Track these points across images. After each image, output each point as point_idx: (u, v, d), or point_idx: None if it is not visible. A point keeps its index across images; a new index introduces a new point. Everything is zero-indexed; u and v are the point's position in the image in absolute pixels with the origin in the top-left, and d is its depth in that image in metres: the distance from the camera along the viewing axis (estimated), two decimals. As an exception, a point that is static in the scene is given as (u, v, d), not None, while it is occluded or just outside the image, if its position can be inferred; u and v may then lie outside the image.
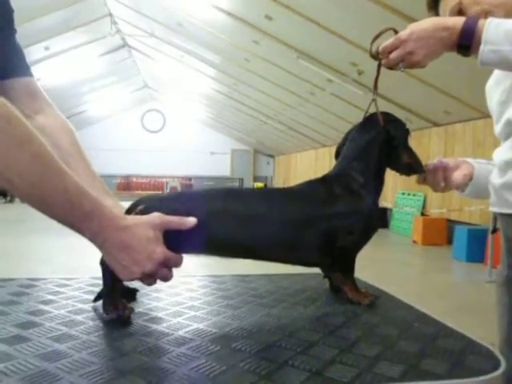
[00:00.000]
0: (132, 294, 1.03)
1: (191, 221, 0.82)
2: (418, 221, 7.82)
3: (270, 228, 0.95)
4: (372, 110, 1.08)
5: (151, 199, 0.95)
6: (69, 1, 7.85)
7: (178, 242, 0.87)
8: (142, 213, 0.86)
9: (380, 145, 1.05)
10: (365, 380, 0.66)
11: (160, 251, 0.77)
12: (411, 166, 1.09)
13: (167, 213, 0.83)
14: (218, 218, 0.93)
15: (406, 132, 1.09)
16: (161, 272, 0.79)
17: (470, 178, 1.14)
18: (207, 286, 1.19)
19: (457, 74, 5.19)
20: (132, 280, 0.79)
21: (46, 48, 9.23)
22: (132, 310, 0.90)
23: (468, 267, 5.87)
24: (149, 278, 0.79)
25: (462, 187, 1.16)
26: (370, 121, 1.08)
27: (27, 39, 8.00)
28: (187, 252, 0.93)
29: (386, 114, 1.08)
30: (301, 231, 0.97)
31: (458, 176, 1.13)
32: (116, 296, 0.89)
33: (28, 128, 0.67)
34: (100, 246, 0.75)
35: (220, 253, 0.97)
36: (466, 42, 0.89)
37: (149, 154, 18.06)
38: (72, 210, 0.71)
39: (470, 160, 1.18)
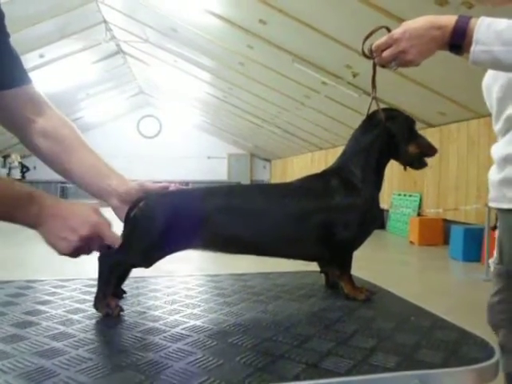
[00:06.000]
0: (120, 293, 1.03)
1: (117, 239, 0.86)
2: (414, 221, 7.83)
3: (269, 222, 0.97)
4: (373, 107, 1.08)
5: (154, 195, 0.97)
6: (63, 8, 7.86)
7: (181, 238, 0.88)
8: (145, 207, 0.91)
9: (381, 142, 1.06)
10: (360, 371, 0.67)
11: (94, 215, 0.82)
12: (422, 154, 1.07)
13: (171, 208, 0.90)
14: (219, 214, 0.94)
15: (410, 123, 1.07)
16: (96, 239, 0.82)
17: None
18: (204, 284, 1.19)
19: (451, 75, 5.22)
20: (72, 251, 0.82)
21: (41, 55, 9.23)
22: (122, 309, 0.91)
23: (465, 266, 5.88)
24: (85, 246, 0.82)
25: None
26: (371, 119, 1.08)
27: (22, 47, 7.97)
28: (190, 248, 0.95)
29: (387, 111, 1.07)
30: (299, 224, 0.98)
31: None
32: (108, 293, 0.90)
33: None
34: (37, 225, 0.80)
35: (221, 248, 0.99)
36: (457, 41, 0.90)
37: (145, 160, 18.02)
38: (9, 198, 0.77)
39: None
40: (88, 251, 0.85)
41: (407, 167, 1.09)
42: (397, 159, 1.09)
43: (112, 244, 0.85)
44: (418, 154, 1.07)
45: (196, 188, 1.07)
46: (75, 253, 0.83)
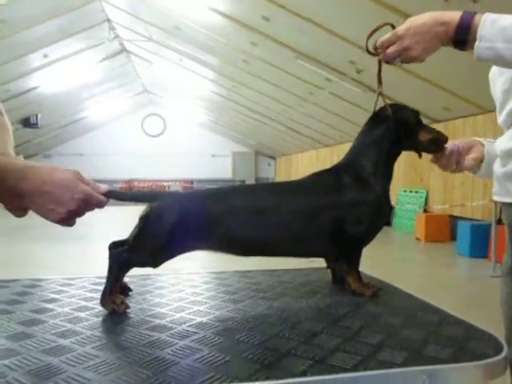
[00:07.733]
0: (126, 290, 1.04)
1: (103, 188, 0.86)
2: (420, 218, 7.79)
3: (281, 222, 0.96)
4: (380, 103, 1.09)
5: (166, 196, 0.98)
6: (66, 8, 7.87)
7: (191, 239, 0.89)
8: (156, 208, 0.92)
9: (390, 135, 1.06)
10: (368, 366, 0.66)
11: (79, 184, 0.81)
12: (434, 140, 1.09)
13: (181, 210, 0.90)
14: (231, 215, 0.94)
15: (416, 113, 1.10)
16: (85, 209, 0.82)
17: (481, 160, 1.15)
18: (210, 282, 1.19)
19: (455, 70, 5.18)
20: (59, 220, 0.81)
21: (45, 55, 9.24)
22: (127, 306, 0.92)
23: (471, 262, 5.85)
24: (73, 217, 0.82)
25: (473, 169, 1.18)
26: (378, 113, 1.09)
27: (26, 47, 8.00)
28: (200, 249, 0.95)
29: (393, 105, 1.08)
30: (310, 221, 0.97)
31: (468, 160, 1.15)
32: (115, 290, 0.91)
33: None
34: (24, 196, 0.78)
35: (233, 249, 0.98)
36: (461, 37, 0.89)
37: (150, 158, 18.07)
38: None
39: (482, 140, 1.18)
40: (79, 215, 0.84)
41: (421, 154, 1.10)
42: (411, 149, 1.09)
43: (99, 207, 0.85)
44: (431, 140, 1.08)
45: (207, 189, 1.06)
46: (66, 222, 0.83)
